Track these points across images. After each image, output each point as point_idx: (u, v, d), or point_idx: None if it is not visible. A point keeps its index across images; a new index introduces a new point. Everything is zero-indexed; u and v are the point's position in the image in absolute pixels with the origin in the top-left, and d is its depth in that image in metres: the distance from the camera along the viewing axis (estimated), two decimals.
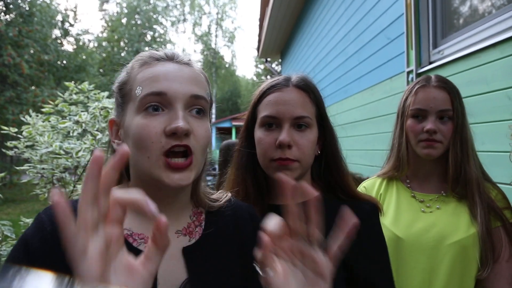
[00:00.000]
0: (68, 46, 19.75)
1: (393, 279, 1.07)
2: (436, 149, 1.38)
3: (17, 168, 3.09)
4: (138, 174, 0.77)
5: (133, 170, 0.79)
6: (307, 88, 1.08)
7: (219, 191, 0.97)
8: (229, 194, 0.95)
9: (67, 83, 3.23)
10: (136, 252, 0.72)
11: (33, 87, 14.26)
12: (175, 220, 0.81)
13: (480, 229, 1.29)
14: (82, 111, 2.92)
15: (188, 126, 0.72)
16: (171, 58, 0.80)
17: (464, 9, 2.54)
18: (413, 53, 2.80)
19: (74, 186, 2.99)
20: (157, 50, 0.83)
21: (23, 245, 0.70)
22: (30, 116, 3.13)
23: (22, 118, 3.22)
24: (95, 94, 3.08)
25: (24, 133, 2.97)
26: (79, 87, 3.12)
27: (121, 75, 0.83)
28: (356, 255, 0.87)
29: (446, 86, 1.39)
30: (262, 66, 36.62)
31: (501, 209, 1.33)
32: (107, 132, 2.74)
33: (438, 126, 1.37)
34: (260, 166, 1.09)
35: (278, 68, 15.82)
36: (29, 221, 3.68)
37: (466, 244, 1.29)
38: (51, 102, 3.13)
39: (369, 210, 1.10)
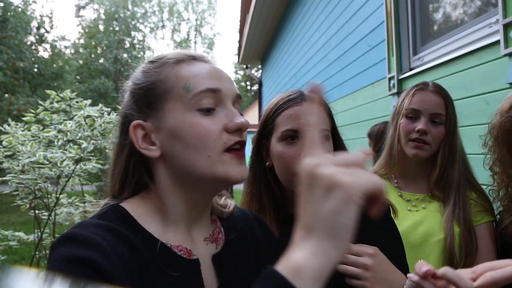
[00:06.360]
0: (44, 52, 19.34)
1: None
2: (424, 151, 1.42)
3: None
4: (188, 177, 0.72)
5: (179, 173, 0.72)
6: (322, 102, 1.10)
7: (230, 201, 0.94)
8: (233, 201, 0.94)
9: (48, 91, 3.16)
10: (181, 261, 0.71)
11: (7, 95, 13.87)
12: (204, 226, 0.80)
13: (449, 235, 1.33)
14: (64, 119, 2.87)
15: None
16: (205, 60, 0.79)
17: (443, 17, 2.64)
18: (394, 60, 2.88)
19: (57, 198, 2.92)
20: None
21: (87, 266, 0.57)
22: (9, 125, 3.06)
23: (0, 127, 3.14)
24: (77, 102, 3.03)
25: (4, 142, 2.89)
26: (61, 95, 3.06)
27: (138, 76, 0.77)
28: None
29: (442, 92, 1.46)
30: (241, 72, 36.72)
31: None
32: (92, 141, 2.70)
33: (429, 128, 1.41)
34: (273, 179, 1.09)
35: (258, 74, 15.88)
36: (8, 233, 3.55)
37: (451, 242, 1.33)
38: (32, 110, 3.06)
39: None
